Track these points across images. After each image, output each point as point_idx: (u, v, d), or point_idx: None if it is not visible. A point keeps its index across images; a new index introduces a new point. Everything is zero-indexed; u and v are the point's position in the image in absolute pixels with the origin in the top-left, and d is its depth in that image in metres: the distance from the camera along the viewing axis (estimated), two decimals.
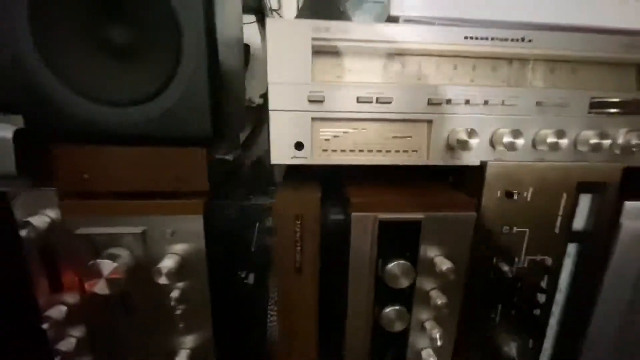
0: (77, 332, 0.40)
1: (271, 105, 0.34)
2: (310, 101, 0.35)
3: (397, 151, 0.37)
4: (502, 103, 0.36)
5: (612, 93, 0.38)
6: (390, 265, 0.36)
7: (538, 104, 0.37)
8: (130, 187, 0.36)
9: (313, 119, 0.35)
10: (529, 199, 0.38)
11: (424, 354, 0.39)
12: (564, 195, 0.38)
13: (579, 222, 0.40)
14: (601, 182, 0.38)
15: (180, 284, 0.37)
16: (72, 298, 0.39)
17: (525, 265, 0.40)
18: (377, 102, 0.35)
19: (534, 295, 0.41)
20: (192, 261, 0.37)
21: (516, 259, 0.40)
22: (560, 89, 0.37)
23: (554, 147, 0.36)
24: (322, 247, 0.37)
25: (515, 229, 0.38)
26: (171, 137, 0.34)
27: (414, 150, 0.38)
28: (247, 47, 0.73)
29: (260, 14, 0.78)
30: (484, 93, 0.36)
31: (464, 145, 0.36)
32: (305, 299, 0.38)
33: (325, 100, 0.35)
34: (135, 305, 0.38)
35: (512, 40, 0.35)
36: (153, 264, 0.35)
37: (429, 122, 0.37)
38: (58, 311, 0.38)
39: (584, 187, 0.38)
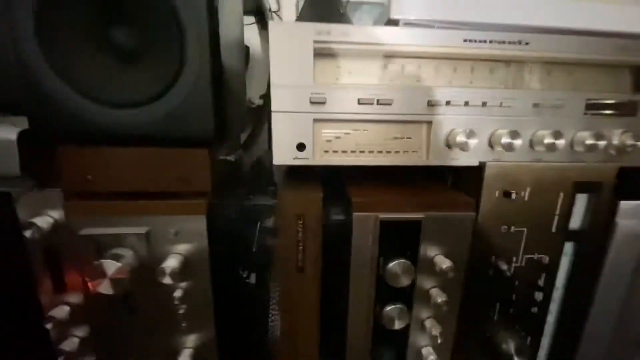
0: (80, 332, 0.40)
1: (274, 107, 0.35)
2: (312, 103, 0.35)
3: (397, 152, 0.38)
4: (500, 104, 0.37)
5: (607, 95, 0.38)
6: (391, 264, 0.36)
7: (535, 105, 0.37)
8: (133, 187, 0.36)
9: (315, 120, 0.36)
10: (526, 198, 0.38)
11: (424, 351, 0.40)
12: (561, 195, 0.38)
13: (576, 221, 0.40)
14: (597, 182, 0.39)
15: (183, 284, 0.38)
16: (75, 298, 0.39)
17: (523, 264, 0.40)
18: (377, 103, 0.36)
19: (531, 294, 0.41)
20: (195, 261, 0.37)
21: (514, 258, 0.40)
22: (557, 91, 0.38)
23: (551, 147, 0.37)
24: (324, 247, 0.38)
25: (513, 228, 0.39)
26: (174, 138, 0.35)
27: (413, 151, 0.38)
28: (246, 48, 0.74)
29: (260, 15, 0.78)
30: (483, 95, 0.36)
31: (462, 146, 0.36)
32: (307, 298, 0.38)
33: (326, 102, 0.35)
34: (138, 305, 0.38)
35: (510, 42, 0.36)
36: (156, 264, 0.35)
37: (429, 123, 0.37)
38: (61, 311, 0.38)
39: (580, 187, 0.39)
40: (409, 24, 0.36)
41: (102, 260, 0.34)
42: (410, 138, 0.38)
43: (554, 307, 0.43)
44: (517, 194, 0.38)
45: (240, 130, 0.64)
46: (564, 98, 0.37)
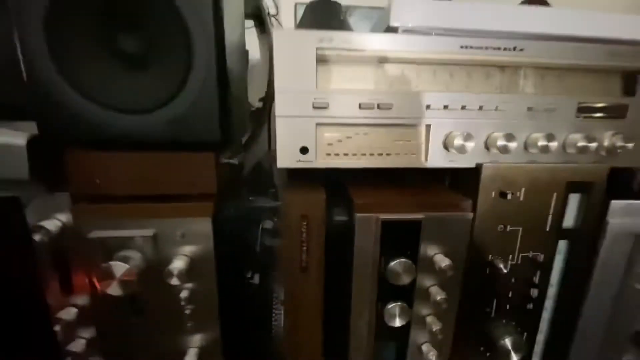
0: (87, 333, 0.40)
1: (277, 112, 0.36)
2: (315, 107, 0.36)
3: (397, 154, 0.39)
4: (496, 108, 0.38)
5: (598, 98, 0.39)
6: (393, 264, 0.37)
7: (529, 109, 0.38)
8: (140, 191, 0.37)
9: (317, 124, 0.37)
10: (521, 199, 0.39)
11: (424, 347, 0.41)
12: (554, 195, 0.40)
13: (569, 220, 0.41)
14: (589, 182, 0.40)
15: (189, 285, 0.38)
16: (82, 300, 0.40)
17: (519, 262, 0.41)
18: (378, 108, 0.37)
19: (527, 291, 0.43)
20: (201, 262, 0.38)
21: (510, 256, 0.41)
22: (550, 95, 0.39)
23: (545, 149, 0.38)
24: (327, 247, 0.38)
25: (509, 227, 0.40)
26: (181, 142, 0.35)
27: (412, 154, 0.39)
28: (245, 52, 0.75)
29: (258, 19, 0.79)
30: (479, 99, 0.38)
31: (460, 148, 0.37)
32: (311, 297, 0.39)
33: (329, 107, 0.36)
34: (144, 306, 0.39)
35: (505, 49, 0.37)
36: (163, 266, 0.36)
37: (427, 126, 0.38)
38: (69, 313, 0.39)
39: (572, 187, 0.40)
40: (407, 30, 0.37)
41: (111, 262, 0.35)
42: (409, 141, 0.39)
43: (548, 304, 0.44)
44: (512, 194, 0.39)
45: (243, 133, 0.65)
46: (557, 102, 0.39)
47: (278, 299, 0.46)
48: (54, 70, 0.33)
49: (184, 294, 0.38)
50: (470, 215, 0.39)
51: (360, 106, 0.37)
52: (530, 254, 0.41)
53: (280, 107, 0.36)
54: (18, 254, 0.37)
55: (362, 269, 0.38)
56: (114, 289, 0.35)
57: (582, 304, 0.43)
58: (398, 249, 0.38)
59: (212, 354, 0.41)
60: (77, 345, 0.40)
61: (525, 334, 0.44)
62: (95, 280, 0.36)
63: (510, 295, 0.43)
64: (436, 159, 0.39)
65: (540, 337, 0.46)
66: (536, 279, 0.42)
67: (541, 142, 0.38)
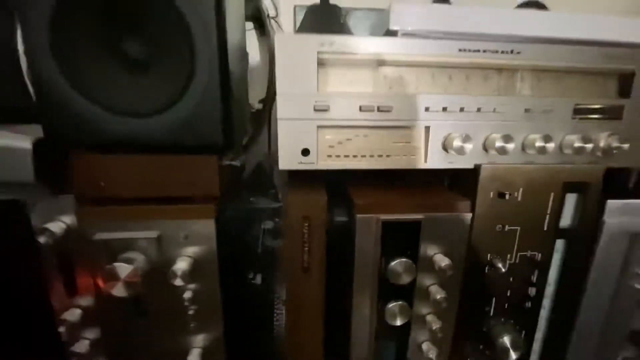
0: (91, 334, 0.41)
1: (279, 115, 0.36)
2: (316, 110, 0.36)
3: (397, 155, 0.39)
4: (494, 110, 0.39)
5: (594, 100, 0.40)
6: (393, 263, 0.38)
7: (526, 110, 0.39)
8: (144, 193, 0.37)
9: (318, 126, 0.37)
10: (519, 199, 0.40)
11: (424, 346, 0.42)
12: (552, 195, 0.40)
13: (566, 220, 0.42)
14: (585, 183, 0.40)
15: (192, 285, 0.39)
16: (86, 301, 0.40)
17: (517, 261, 0.42)
18: (378, 110, 0.37)
19: (525, 289, 0.43)
20: (204, 263, 0.38)
21: (508, 256, 0.42)
22: (547, 97, 0.40)
23: (542, 150, 0.38)
24: (328, 247, 0.39)
25: (507, 227, 0.41)
26: (185, 145, 0.36)
27: (412, 155, 0.40)
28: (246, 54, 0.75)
29: (258, 21, 0.80)
30: (477, 101, 0.38)
31: (459, 149, 0.38)
32: (313, 297, 0.40)
33: (329, 109, 0.37)
34: (148, 306, 0.39)
35: (502, 52, 0.37)
36: (167, 267, 0.36)
37: (427, 128, 0.39)
38: (73, 314, 0.39)
39: (569, 187, 0.40)
40: (406, 34, 0.38)
41: (115, 264, 0.35)
42: (409, 142, 0.39)
43: (546, 302, 0.45)
44: (510, 194, 0.39)
45: (244, 135, 0.66)
46: (554, 104, 0.39)
47: (279, 299, 0.46)
48: (58, 73, 0.33)
49: (187, 294, 0.39)
50: (469, 215, 0.40)
51: (360, 109, 0.37)
52: (528, 254, 0.42)
53: (282, 110, 0.36)
54: (23, 256, 0.37)
55: (363, 268, 0.39)
56: (119, 290, 0.35)
57: (579, 303, 0.44)
58: (398, 249, 0.39)
59: (215, 354, 0.41)
60: (82, 346, 0.40)
61: (523, 332, 0.45)
62: (100, 281, 0.37)
63: (508, 294, 0.43)
64: (435, 160, 0.39)
65: (539, 335, 0.46)
66: (534, 278, 0.43)
67: (538, 143, 0.38)
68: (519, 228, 0.41)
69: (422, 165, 0.40)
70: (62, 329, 0.39)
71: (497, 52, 0.37)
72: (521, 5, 0.52)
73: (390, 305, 0.40)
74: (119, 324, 0.39)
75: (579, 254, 0.43)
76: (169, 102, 0.34)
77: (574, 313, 0.44)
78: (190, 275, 0.36)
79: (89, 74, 0.34)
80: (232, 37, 0.40)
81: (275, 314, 0.47)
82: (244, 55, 0.55)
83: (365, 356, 0.42)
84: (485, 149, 0.39)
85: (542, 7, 0.50)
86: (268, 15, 0.79)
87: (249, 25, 0.80)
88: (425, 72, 0.38)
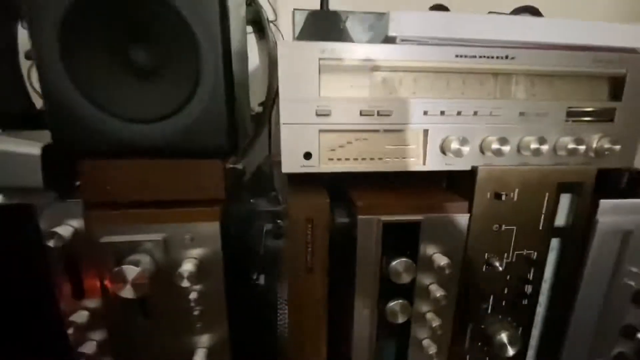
0: (98, 335, 0.41)
1: (282, 119, 0.37)
2: (318, 115, 0.37)
3: (397, 158, 0.40)
4: (490, 114, 0.40)
5: (586, 103, 0.41)
6: (394, 263, 0.39)
7: (521, 114, 0.40)
8: (150, 196, 0.38)
9: (320, 130, 0.38)
10: (515, 199, 0.41)
11: (424, 343, 0.43)
12: (546, 195, 0.41)
13: (560, 219, 0.43)
14: (578, 183, 0.41)
15: (197, 286, 0.39)
16: (94, 303, 0.40)
17: (514, 259, 0.43)
18: (378, 114, 0.38)
19: (521, 287, 0.44)
20: (209, 264, 0.39)
21: (505, 254, 0.43)
22: (540, 100, 0.41)
23: (536, 152, 0.40)
24: (331, 248, 0.40)
25: (504, 227, 0.42)
26: (191, 150, 0.37)
27: (411, 157, 0.41)
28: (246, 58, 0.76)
29: (258, 25, 0.81)
30: (474, 105, 0.39)
31: (456, 152, 0.39)
32: (316, 296, 0.41)
33: (331, 114, 0.38)
34: (154, 307, 0.40)
35: (497, 57, 0.38)
36: (173, 268, 0.37)
37: (425, 131, 0.40)
38: (80, 316, 0.40)
39: (563, 187, 0.41)
40: (405, 40, 0.39)
41: (123, 266, 0.35)
42: (408, 145, 0.40)
43: (542, 299, 0.46)
44: (506, 195, 0.40)
45: (245, 138, 0.67)
46: (547, 107, 0.40)
47: (283, 299, 0.47)
48: (67, 80, 0.33)
49: (193, 295, 0.39)
50: (467, 215, 0.41)
51: (361, 113, 0.38)
52: (524, 252, 0.43)
53: (284, 115, 0.37)
54: (32, 259, 0.38)
55: (365, 268, 0.40)
56: (127, 292, 0.36)
57: (574, 299, 0.45)
58: (399, 249, 0.40)
59: (220, 354, 0.42)
60: (89, 347, 0.41)
61: (520, 328, 0.46)
62: (107, 283, 0.37)
63: (505, 291, 0.44)
64: (434, 162, 0.41)
65: (535, 332, 0.47)
66: (530, 276, 0.44)
67: (533, 145, 0.39)
68: (515, 228, 0.42)
69: (420, 167, 0.41)
70: (70, 331, 0.39)
71: (492, 57, 0.39)
72: (516, 11, 0.53)
73: (391, 303, 0.40)
74: (126, 325, 0.40)
75: (573, 252, 0.44)
76: (176, 108, 0.35)
77: (569, 309, 0.45)
78: (196, 276, 0.37)
79: (97, 81, 0.34)
80: (235, 43, 0.41)
81: (278, 314, 0.48)
82: (245, 58, 0.56)
83: (367, 354, 0.43)
84: (482, 151, 0.40)
85: (536, 12, 0.51)
86: (267, 19, 0.80)
87: (248, 28, 0.81)
88: (424, 77, 0.39)
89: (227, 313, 0.41)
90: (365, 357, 0.43)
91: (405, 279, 0.39)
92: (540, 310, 0.46)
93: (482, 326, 0.45)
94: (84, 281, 0.40)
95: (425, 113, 0.39)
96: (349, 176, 0.41)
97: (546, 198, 0.41)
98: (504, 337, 0.43)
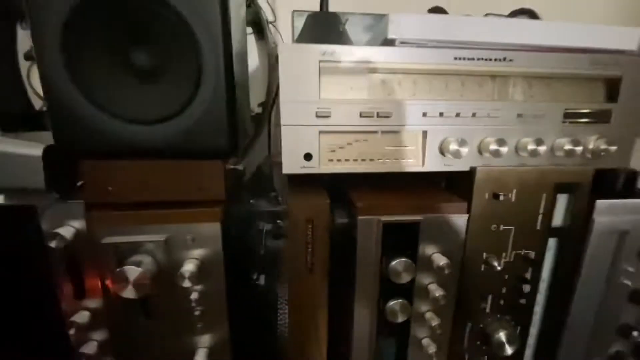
0: (99, 335, 0.41)
1: (283, 121, 0.38)
2: (318, 116, 0.38)
3: (396, 159, 0.41)
4: (488, 115, 0.40)
5: (583, 104, 0.42)
6: (393, 263, 0.39)
7: (519, 115, 0.40)
8: (152, 197, 0.38)
9: (320, 132, 0.38)
10: (513, 200, 0.41)
11: (424, 342, 0.43)
12: (544, 195, 0.42)
13: (557, 219, 0.43)
14: (575, 183, 0.42)
15: (199, 287, 0.39)
16: (95, 304, 0.40)
17: (512, 259, 0.43)
18: (377, 116, 0.39)
19: (519, 286, 0.44)
20: (210, 265, 0.39)
21: (503, 254, 0.43)
22: (538, 102, 0.41)
23: (534, 153, 0.40)
24: (331, 248, 0.40)
25: (502, 227, 0.42)
26: (192, 151, 0.37)
27: (410, 158, 0.41)
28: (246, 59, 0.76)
29: (257, 26, 0.81)
30: (472, 106, 0.40)
31: (455, 153, 0.39)
32: (317, 296, 0.41)
33: (331, 115, 0.38)
34: (155, 308, 0.40)
35: (496, 60, 0.39)
36: (174, 269, 0.37)
37: (424, 132, 0.40)
38: (82, 316, 0.40)
39: (560, 188, 0.42)
40: (404, 43, 0.39)
41: (125, 267, 0.36)
42: (407, 147, 0.41)
43: (540, 298, 0.46)
44: (504, 195, 0.41)
45: (245, 139, 0.67)
46: (545, 108, 0.41)
47: (283, 299, 0.48)
48: (69, 81, 0.34)
49: (194, 295, 0.39)
50: (466, 216, 0.41)
51: (360, 115, 0.39)
52: (522, 252, 0.43)
53: (285, 116, 0.38)
54: (34, 260, 0.38)
55: (365, 268, 0.40)
56: (129, 292, 0.36)
57: (571, 298, 0.45)
58: (398, 249, 0.40)
59: (221, 354, 0.42)
60: (90, 347, 0.41)
61: (518, 327, 0.46)
62: (109, 283, 0.38)
63: (504, 291, 0.44)
64: (433, 163, 0.41)
65: (533, 330, 0.48)
66: (528, 275, 0.44)
67: (530, 146, 0.40)
68: (513, 228, 0.42)
69: (419, 168, 0.41)
70: (71, 331, 0.39)
71: (490, 59, 0.39)
72: (513, 13, 0.54)
73: (391, 303, 0.41)
74: (127, 325, 0.40)
75: (570, 252, 0.44)
76: (177, 110, 0.36)
77: (566, 308, 0.46)
78: (197, 276, 0.37)
79: (98, 81, 0.35)
80: (235, 44, 0.41)
81: (278, 314, 0.48)
82: (245, 60, 0.56)
83: (367, 353, 0.43)
84: (480, 152, 0.41)
85: (533, 15, 0.52)
86: (266, 20, 0.81)
87: (248, 29, 0.81)
88: (423, 79, 0.40)
89: (228, 313, 0.42)
90: (365, 356, 0.43)
91: (405, 278, 0.40)
92: (538, 310, 0.47)
93: (481, 325, 0.45)
94: (86, 282, 0.40)
95: (424, 114, 0.40)
96: (349, 177, 0.41)
97: (543, 198, 0.42)
98: (502, 336, 0.44)
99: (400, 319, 0.41)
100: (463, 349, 0.46)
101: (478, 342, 0.46)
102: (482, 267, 0.43)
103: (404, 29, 0.39)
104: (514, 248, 0.43)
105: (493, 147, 0.40)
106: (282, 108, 0.37)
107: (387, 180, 0.45)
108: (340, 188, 0.45)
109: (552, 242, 0.44)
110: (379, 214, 0.39)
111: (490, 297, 0.45)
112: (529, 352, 0.48)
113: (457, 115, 0.40)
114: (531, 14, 0.51)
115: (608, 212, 0.43)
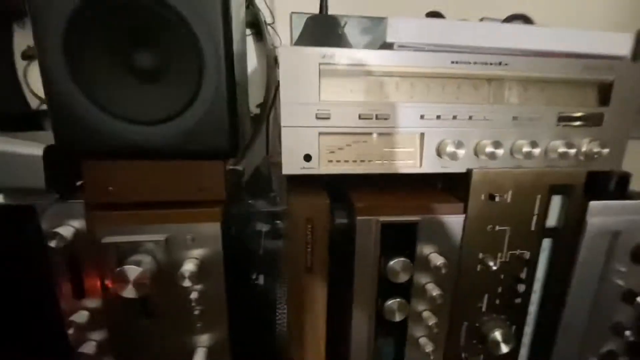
0: (98, 335, 0.41)
1: (283, 122, 0.38)
2: (318, 118, 0.38)
3: (394, 160, 0.41)
4: (484, 118, 0.41)
5: (576, 108, 0.42)
6: (392, 262, 0.39)
7: (514, 118, 0.41)
8: (152, 197, 0.38)
9: (320, 133, 0.39)
10: (508, 201, 0.42)
11: (421, 341, 0.43)
12: (538, 197, 0.42)
13: (552, 220, 0.44)
14: (569, 185, 0.43)
15: (198, 286, 0.40)
16: (94, 303, 0.40)
17: (507, 259, 0.44)
18: (376, 118, 0.39)
19: (515, 286, 0.45)
20: (210, 264, 0.39)
21: (499, 254, 0.44)
22: (533, 105, 0.42)
23: (529, 155, 0.41)
24: (330, 248, 0.41)
25: (497, 227, 0.43)
26: (192, 152, 0.37)
27: (408, 160, 0.42)
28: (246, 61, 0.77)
29: (256, 27, 0.82)
30: (468, 109, 0.40)
31: (452, 155, 0.40)
32: (315, 295, 0.42)
33: (331, 117, 0.38)
34: (155, 307, 0.40)
35: (491, 64, 0.40)
36: (174, 268, 0.37)
37: (422, 134, 0.41)
38: (81, 316, 0.40)
39: (554, 189, 0.43)
40: (402, 46, 0.40)
41: (125, 266, 0.36)
42: (405, 148, 0.41)
43: (535, 298, 0.47)
44: (500, 197, 0.41)
45: (245, 140, 0.67)
46: (539, 111, 0.42)
47: (282, 298, 0.48)
48: (70, 81, 0.34)
49: (193, 295, 0.39)
50: (462, 216, 0.42)
51: (359, 116, 0.39)
52: (517, 252, 0.44)
53: (285, 117, 0.38)
54: (33, 260, 0.38)
55: (363, 267, 0.41)
56: (129, 292, 0.36)
57: (565, 297, 0.46)
58: (396, 249, 0.41)
59: (220, 353, 0.42)
60: (89, 347, 0.41)
61: (514, 326, 0.47)
62: (109, 283, 0.38)
63: (499, 290, 0.45)
64: (430, 164, 0.41)
65: (528, 329, 0.48)
66: (523, 275, 0.45)
67: (525, 149, 0.41)
68: (508, 228, 0.43)
69: (417, 169, 0.42)
70: (70, 331, 0.39)
71: (486, 63, 0.40)
72: (508, 18, 0.55)
73: (389, 302, 0.41)
74: (127, 324, 0.40)
75: (564, 252, 0.45)
76: (178, 110, 0.36)
77: (560, 307, 0.47)
78: (197, 276, 0.37)
79: (100, 82, 0.35)
80: (235, 45, 0.42)
81: (277, 313, 0.48)
82: (244, 61, 0.57)
83: (365, 352, 0.44)
84: (476, 154, 0.42)
85: (528, 20, 0.53)
86: (265, 22, 0.81)
87: (246, 31, 0.82)
88: (420, 82, 0.40)
89: (227, 313, 0.42)
90: (363, 355, 0.44)
91: (403, 278, 0.40)
92: (533, 309, 0.48)
93: (477, 324, 0.46)
94: (85, 281, 0.40)
95: (421, 117, 0.40)
96: (348, 178, 0.42)
97: (538, 199, 0.43)
98: (498, 335, 0.44)
99: (398, 318, 0.42)
100: (459, 348, 0.47)
101: (474, 341, 0.47)
102: (478, 266, 0.44)
103: (403, 33, 0.39)
104: (509, 248, 0.44)
105: (489, 149, 0.40)
106: (282, 109, 0.38)
107: (386, 181, 0.46)
108: (340, 189, 0.46)
109: (546, 243, 0.45)
110: (377, 214, 0.40)
111: (486, 297, 0.45)
112: (524, 351, 0.49)
113: (454, 117, 0.40)
114: (525, 19, 0.52)
115: (601, 213, 0.43)
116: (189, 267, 0.38)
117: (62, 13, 0.32)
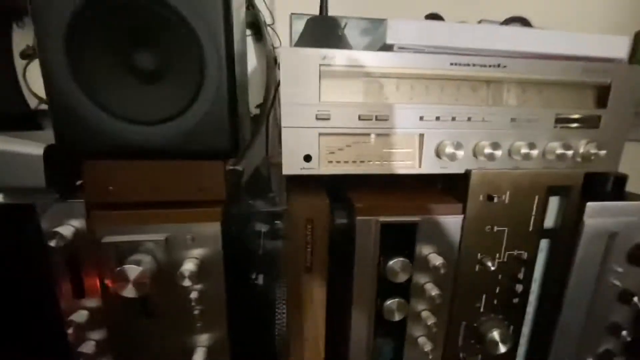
0: (97, 335, 0.41)
1: (283, 123, 0.38)
2: (318, 119, 0.38)
3: (394, 161, 0.42)
4: (483, 119, 0.41)
5: (574, 110, 0.43)
6: (391, 262, 0.40)
7: (512, 120, 0.42)
8: (152, 197, 0.38)
9: (320, 134, 0.39)
10: (506, 201, 0.42)
11: (420, 340, 0.44)
12: (536, 198, 0.43)
13: (549, 220, 0.45)
14: (566, 186, 0.43)
15: (198, 286, 0.40)
16: (93, 303, 0.40)
17: (505, 259, 0.44)
18: (376, 119, 0.39)
19: (513, 286, 0.45)
20: (210, 264, 0.39)
21: (497, 255, 0.44)
22: (531, 107, 0.42)
23: (527, 156, 0.41)
24: (329, 248, 0.41)
25: (496, 228, 0.43)
26: (193, 152, 0.37)
27: (407, 161, 0.42)
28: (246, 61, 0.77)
29: (255, 28, 0.82)
30: (467, 111, 0.41)
31: (451, 156, 0.40)
32: (315, 295, 0.42)
33: (331, 118, 0.39)
34: (155, 307, 0.40)
35: (490, 66, 0.40)
36: (174, 268, 0.37)
37: (421, 136, 0.41)
38: (80, 316, 0.40)
39: (552, 190, 0.43)
40: (402, 48, 0.40)
41: (125, 266, 0.36)
42: (404, 149, 0.42)
43: (532, 298, 0.47)
44: (498, 197, 0.42)
45: (245, 140, 0.67)
46: (537, 113, 0.42)
47: (281, 298, 0.48)
48: (72, 81, 0.34)
49: (193, 295, 0.40)
50: (461, 217, 0.42)
51: (359, 117, 0.39)
52: (515, 253, 0.44)
53: (286, 118, 0.38)
54: (33, 259, 0.38)
55: (363, 267, 0.41)
56: (129, 291, 0.36)
57: (562, 298, 0.46)
58: (396, 249, 0.41)
59: (220, 353, 0.42)
60: (88, 347, 0.41)
61: (511, 326, 0.47)
62: (109, 283, 0.38)
63: (497, 290, 0.45)
64: (429, 165, 0.42)
65: (526, 329, 0.49)
66: (521, 276, 0.45)
67: (523, 150, 0.41)
68: (506, 229, 0.43)
69: (416, 170, 0.42)
70: (69, 331, 0.39)
71: (485, 65, 0.40)
72: (507, 21, 0.55)
73: (389, 302, 0.42)
74: (126, 324, 0.40)
75: (561, 253, 0.45)
76: (179, 111, 0.36)
77: (557, 307, 0.47)
78: (197, 276, 0.38)
79: (101, 82, 0.35)
80: (236, 45, 0.42)
81: (277, 313, 0.48)
82: (244, 61, 0.57)
83: (364, 351, 0.44)
84: (475, 155, 0.42)
85: (526, 22, 0.53)
86: (265, 22, 0.81)
87: (247, 32, 0.82)
88: (420, 83, 0.41)
89: (227, 312, 0.42)
90: (362, 354, 0.44)
91: (402, 278, 0.40)
92: (530, 309, 0.48)
93: (475, 324, 0.46)
94: (85, 281, 0.40)
95: (421, 118, 0.40)
96: (348, 178, 0.42)
97: (536, 200, 0.43)
98: (495, 335, 0.45)
99: (397, 317, 0.42)
100: (458, 348, 0.47)
101: (472, 341, 0.47)
102: (477, 267, 0.44)
103: (402, 34, 0.40)
104: (507, 249, 0.44)
105: (487, 150, 0.41)
106: (283, 110, 0.38)
107: (385, 182, 0.46)
108: (340, 189, 0.46)
109: (544, 243, 0.45)
110: (377, 215, 0.40)
111: (484, 297, 0.45)
112: (521, 351, 0.49)
113: (453, 119, 0.41)
114: (524, 22, 0.53)
115: (598, 214, 0.44)
116: (188, 266, 0.38)
117: (63, 13, 0.32)
